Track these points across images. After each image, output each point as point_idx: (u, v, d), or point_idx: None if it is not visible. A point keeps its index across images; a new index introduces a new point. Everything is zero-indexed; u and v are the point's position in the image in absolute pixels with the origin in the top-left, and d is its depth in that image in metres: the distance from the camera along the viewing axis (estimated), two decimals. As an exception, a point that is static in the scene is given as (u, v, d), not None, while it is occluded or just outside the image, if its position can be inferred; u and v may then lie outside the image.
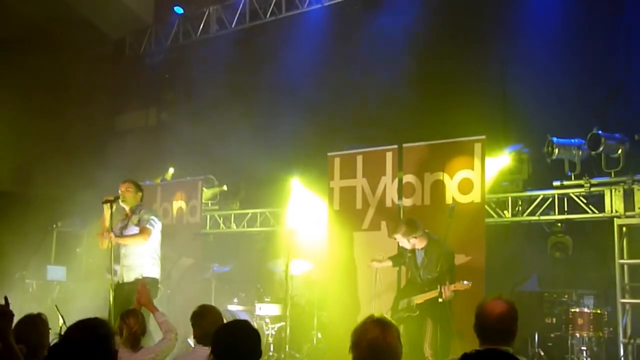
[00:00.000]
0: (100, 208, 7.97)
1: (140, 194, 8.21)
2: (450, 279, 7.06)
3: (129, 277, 7.89)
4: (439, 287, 6.99)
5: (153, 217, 8.03)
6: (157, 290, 8.13)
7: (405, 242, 7.58)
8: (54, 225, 11.07)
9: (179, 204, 11.66)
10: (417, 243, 7.50)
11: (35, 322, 4.65)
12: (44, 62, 12.67)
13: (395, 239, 7.75)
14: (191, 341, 5.41)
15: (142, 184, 8.71)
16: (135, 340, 5.68)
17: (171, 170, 12.62)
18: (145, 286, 6.11)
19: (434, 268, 7.25)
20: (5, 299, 3.98)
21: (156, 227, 8.01)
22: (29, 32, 12.88)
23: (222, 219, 11.99)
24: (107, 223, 7.77)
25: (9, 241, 11.65)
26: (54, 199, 11.61)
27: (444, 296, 6.94)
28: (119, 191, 8.09)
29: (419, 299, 7.39)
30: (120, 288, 7.78)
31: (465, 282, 6.95)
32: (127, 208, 8.10)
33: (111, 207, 7.78)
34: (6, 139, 12.73)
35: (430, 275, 7.33)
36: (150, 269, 8.02)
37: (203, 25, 13.56)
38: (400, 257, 7.88)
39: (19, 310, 4.77)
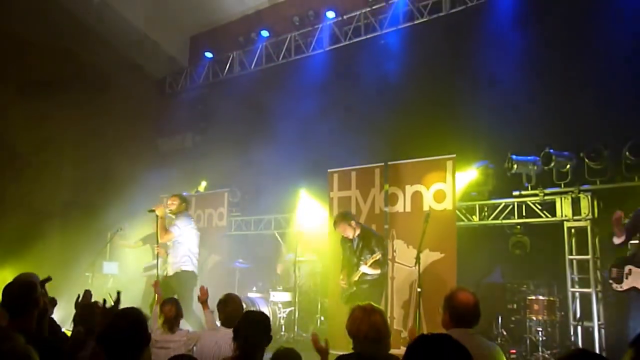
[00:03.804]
0: (143, 214, 8.09)
1: (184, 204, 8.24)
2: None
3: (171, 271, 7.98)
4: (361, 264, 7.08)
5: (177, 223, 7.99)
6: (195, 280, 8.06)
7: (350, 230, 7.31)
8: (118, 229, 10.88)
9: (209, 211, 11.64)
10: (355, 230, 7.30)
11: (93, 308, 4.62)
12: (98, 98, 12.72)
13: (339, 231, 7.41)
14: (218, 323, 5.27)
15: (181, 194, 8.64)
16: (171, 324, 5.53)
17: (203, 184, 12.62)
18: (205, 289, 5.97)
19: (368, 250, 7.11)
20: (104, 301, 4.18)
21: (178, 231, 7.95)
22: (86, 74, 12.81)
23: (244, 223, 11.82)
24: (157, 229, 7.85)
25: (75, 241, 11.71)
26: (107, 207, 11.50)
27: (365, 265, 7.01)
28: (167, 203, 8.22)
29: (354, 276, 7.20)
30: (165, 280, 7.79)
31: (375, 254, 6.97)
32: (173, 217, 8.13)
33: (156, 216, 7.82)
34: (71, 158, 13.02)
35: (363, 257, 7.14)
36: (186, 265, 8.00)
37: (228, 67, 13.54)
38: (344, 251, 7.54)
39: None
